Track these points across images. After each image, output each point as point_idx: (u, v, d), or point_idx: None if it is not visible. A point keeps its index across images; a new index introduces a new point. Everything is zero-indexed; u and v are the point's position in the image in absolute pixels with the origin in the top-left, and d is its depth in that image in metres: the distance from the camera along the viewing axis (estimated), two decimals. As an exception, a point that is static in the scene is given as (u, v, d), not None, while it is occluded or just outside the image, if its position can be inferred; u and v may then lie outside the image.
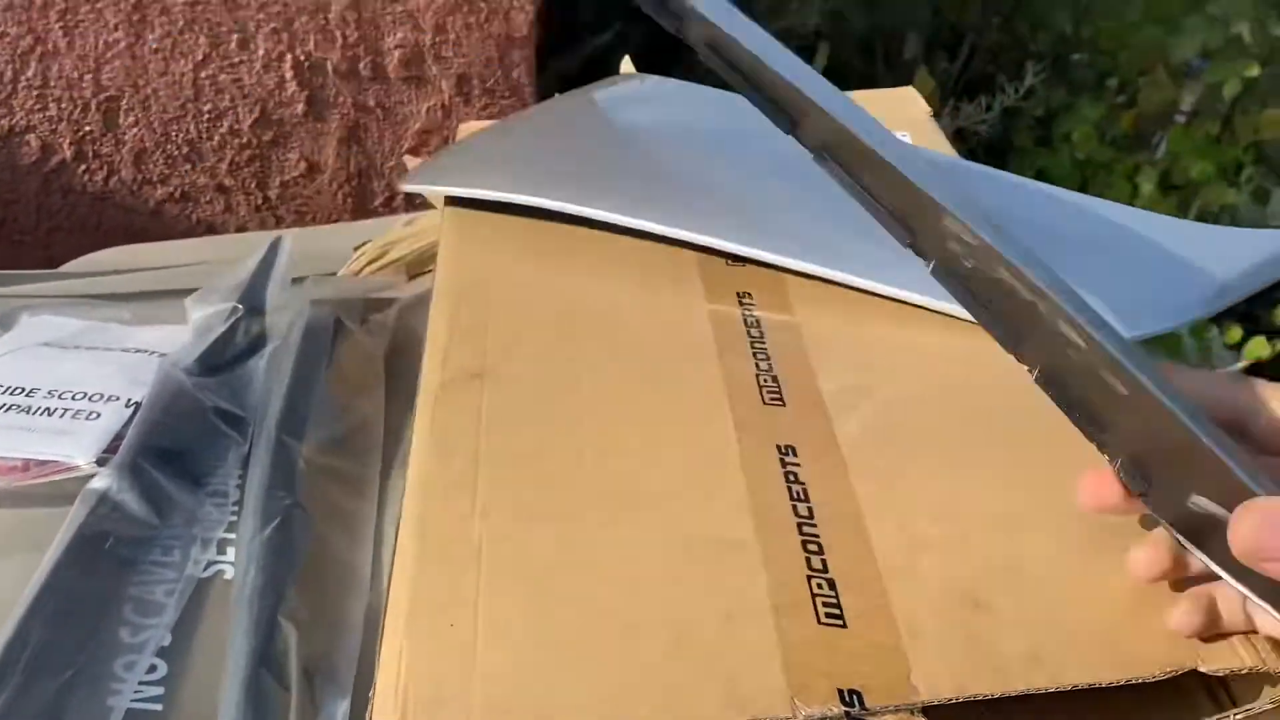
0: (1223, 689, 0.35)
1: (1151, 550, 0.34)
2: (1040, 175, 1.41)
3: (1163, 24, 1.83)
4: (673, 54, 1.41)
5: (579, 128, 0.60)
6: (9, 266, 0.72)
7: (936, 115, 0.80)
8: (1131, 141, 1.68)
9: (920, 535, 0.37)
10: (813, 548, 0.37)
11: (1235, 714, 0.34)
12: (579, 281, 0.53)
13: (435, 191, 0.58)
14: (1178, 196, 1.56)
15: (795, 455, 0.41)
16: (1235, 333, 1.53)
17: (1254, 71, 1.30)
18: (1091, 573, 0.36)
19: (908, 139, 0.62)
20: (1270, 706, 0.34)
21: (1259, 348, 1.47)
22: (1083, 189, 1.37)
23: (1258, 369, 1.51)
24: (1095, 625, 0.34)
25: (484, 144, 0.60)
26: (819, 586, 0.35)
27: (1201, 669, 0.33)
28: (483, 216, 0.57)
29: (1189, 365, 1.54)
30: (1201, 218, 1.67)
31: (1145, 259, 0.51)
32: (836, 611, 0.35)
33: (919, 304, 0.48)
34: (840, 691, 0.32)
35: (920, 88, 1.05)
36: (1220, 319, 1.63)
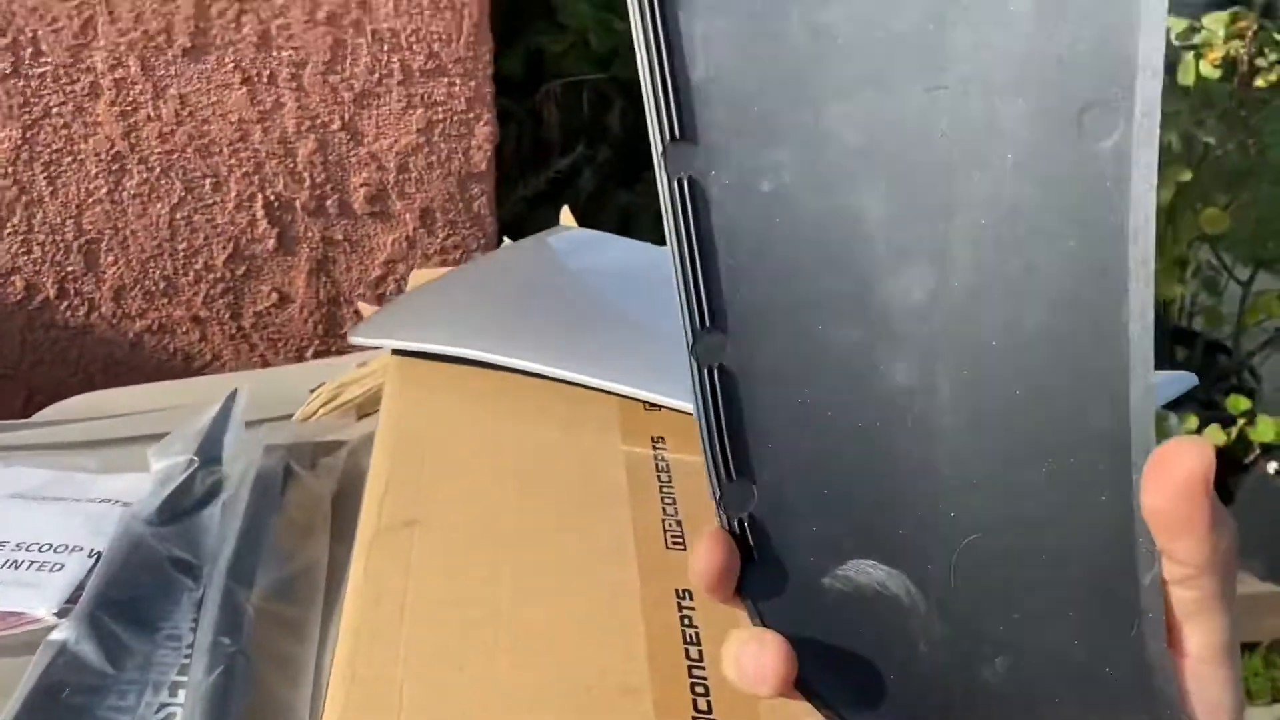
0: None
1: (710, 542, 0.29)
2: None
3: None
4: (633, 173, 1.48)
5: (514, 282, 0.65)
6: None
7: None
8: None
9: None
10: (699, 689, 0.40)
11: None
12: (509, 427, 0.57)
13: (381, 344, 0.63)
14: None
15: (691, 599, 0.45)
16: (1192, 419, 1.58)
17: (1186, 177, 1.37)
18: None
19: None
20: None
21: (1215, 435, 1.51)
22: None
23: (1216, 454, 1.56)
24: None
25: (427, 299, 0.65)
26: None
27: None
28: (425, 365, 0.61)
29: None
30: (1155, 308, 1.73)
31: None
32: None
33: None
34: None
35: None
36: (1178, 406, 1.68)
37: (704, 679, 0.41)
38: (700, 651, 0.42)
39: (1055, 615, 0.27)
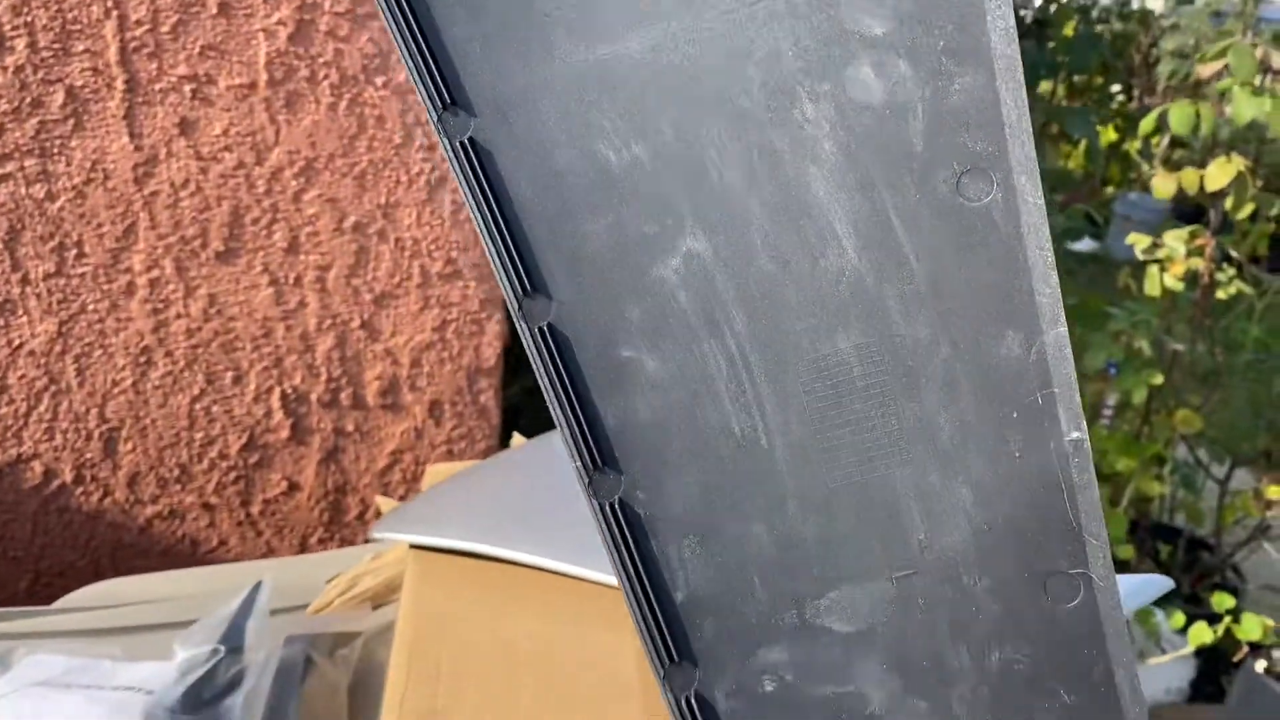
0: None
1: None
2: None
3: (1083, 323, 2.01)
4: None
5: (527, 479, 0.69)
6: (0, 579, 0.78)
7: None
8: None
9: None
10: None
11: None
12: (524, 624, 0.60)
13: (400, 539, 0.66)
14: (1109, 488, 1.67)
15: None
16: (1179, 618, 1.59)
17: (1157, 380, 1.43)
18: None
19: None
20: None
21: (1201, 633, 1.52)
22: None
23: (1203, 652, 1.57)
24: None
25: (444, 496, 0.69)
26: None
27: None
28: (442, 559, 0.65)
29: (1139, 649, 1.59)
30: (1135, 504, 1.77)
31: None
32: None
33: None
34: None
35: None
36: (1164, 604, 1.70)
37: None
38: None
39: None
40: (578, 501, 0.69)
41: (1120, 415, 1.76)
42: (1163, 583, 0.58)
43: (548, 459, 0.72)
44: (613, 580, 0.60)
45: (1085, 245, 3.45)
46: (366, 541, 1.09)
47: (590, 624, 0.59)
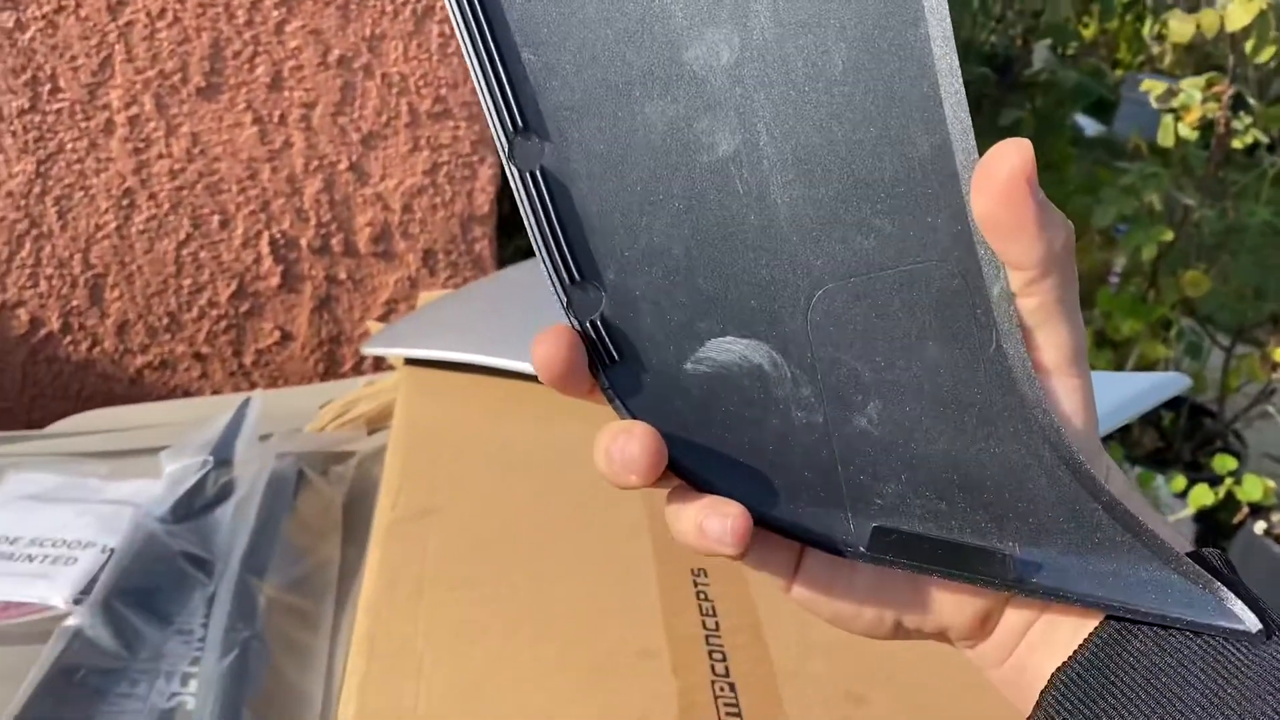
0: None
1: (549, 336, 0.29)
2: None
3: (1094, 193, 1.97)
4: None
5: (525, 294, 0.66)
6: (-6, 431, 0.76)
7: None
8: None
9: (811, 641, 0.41)
10: (717, 655, 0.41)
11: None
12: (523, 429, 0.58)
13: (395, 354, 0.64)
14: (1113, 352, 1.65)
15: (706, 576, 0.45)
16: (1180, 481, 1.59)
17: (1167, 237, 1.40)
18: (960, 669, 0.40)
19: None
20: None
21: (1202, 495, 1.53)
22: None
23: (1204, 515, 1.57)
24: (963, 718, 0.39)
25: (439, 311, 0.66)
26: (721, 690, 0.40)
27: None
28: (438, 374, 0.63)
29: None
30: (1139, 369, 1.76)
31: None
32: (735, 711, 0.39)
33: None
34: (738, 782, 0.36)
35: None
36: (1165, 468, 1.70)
37: (720, 645, 0.41)
38: (716, 622, 0.43)
39: (916, 349, 0.27)
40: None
41: (1127, 281, 1.73)
42: (1178, 380, 0.56)
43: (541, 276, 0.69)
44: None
45: (1092, 128, 3.38)
46: (358, 361, 1.07)
47: (589, 429, 0.57)
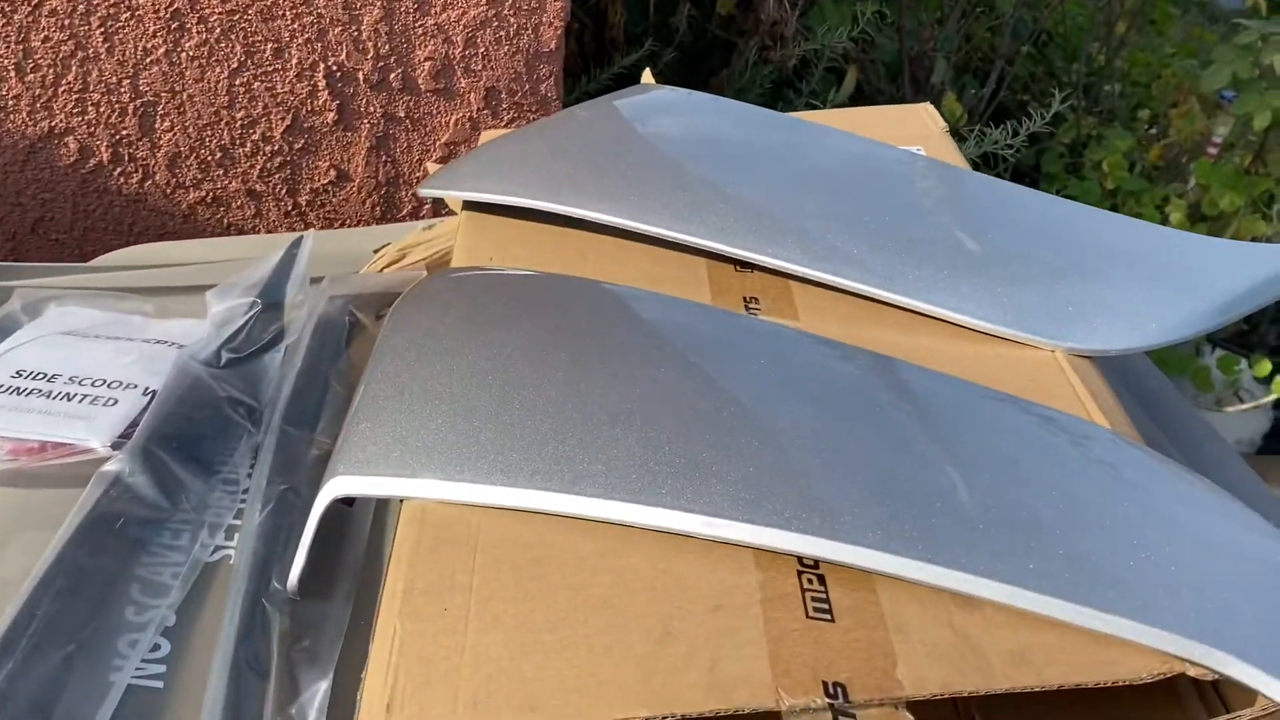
0: (1215, 694, 0.35)
1: None
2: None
3: (1195, 56, 1.82)
4: (700, 73, 1.42)
5: (595, 136, 0.60)
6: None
7: (961, 139, 0.80)
8: (1161, 172, 1.67)
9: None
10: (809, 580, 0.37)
11: (1225, 720, 0.34)
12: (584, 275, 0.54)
13: (453, 196, 0.59)
14: (1208, 227, 1.55)
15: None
16: (1265, 366, 1.52)
17: (1285, 103, 1.29)
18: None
19: (921, 151, 0.62)
20: (1262, 714, 0.34)
21: (1289, 383, 1.45)
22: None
23: (1289, 403, 1.50)
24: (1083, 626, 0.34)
25: (501, 151, 0.61)
26: (809, 582, 0.36)
27: (1191, 674, 0.33)
28: (499, 221, 0.58)
29: (1216, 396, 1.52)
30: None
31: (1155, 272, 0.51)
32: (825, 606, 0.35)
33: (924, 311, 0.49)
34: (825, 684, 0.33)
35: (948, 112, 1.05)
36: (1250, 351, 1.62)
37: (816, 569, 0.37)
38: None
39: None
40: (651, 159, 0.61)
41: (1228, 152, 1.62)
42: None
43: (619, 116, 0.63)
44: (685, 238, 0.52)
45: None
46: (417, 205, 1.03)
47: (666, 288, 0.52)
